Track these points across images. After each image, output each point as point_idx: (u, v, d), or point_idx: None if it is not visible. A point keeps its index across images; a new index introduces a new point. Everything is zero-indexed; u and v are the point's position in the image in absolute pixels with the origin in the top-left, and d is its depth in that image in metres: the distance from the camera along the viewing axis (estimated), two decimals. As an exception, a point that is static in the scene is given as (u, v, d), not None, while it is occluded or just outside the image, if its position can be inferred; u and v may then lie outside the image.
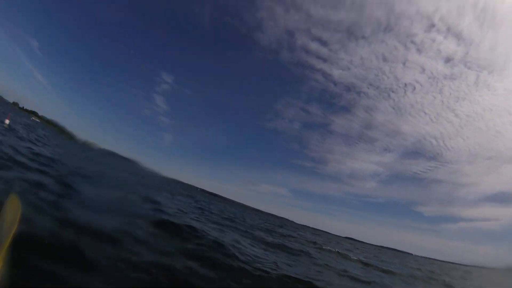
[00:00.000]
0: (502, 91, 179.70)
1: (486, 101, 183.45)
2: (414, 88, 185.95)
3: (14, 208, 2.38)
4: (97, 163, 16.60)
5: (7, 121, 12.42)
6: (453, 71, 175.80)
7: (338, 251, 16.60)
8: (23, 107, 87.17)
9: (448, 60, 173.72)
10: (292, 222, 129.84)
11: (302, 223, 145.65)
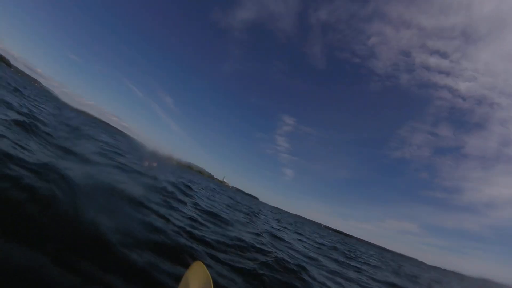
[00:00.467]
0: None
1: None
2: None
3: (202, 278, 1.88)
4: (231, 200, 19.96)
5: (154, 164, 13.77)
6: None
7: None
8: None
9: None
10: (422, 262, 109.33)
11: (433, 264, 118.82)
